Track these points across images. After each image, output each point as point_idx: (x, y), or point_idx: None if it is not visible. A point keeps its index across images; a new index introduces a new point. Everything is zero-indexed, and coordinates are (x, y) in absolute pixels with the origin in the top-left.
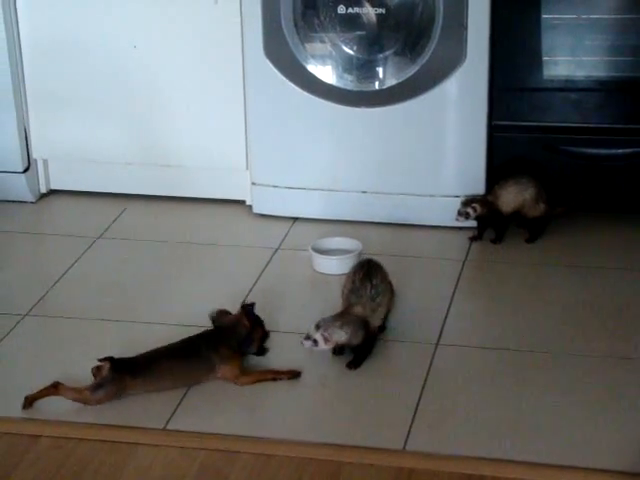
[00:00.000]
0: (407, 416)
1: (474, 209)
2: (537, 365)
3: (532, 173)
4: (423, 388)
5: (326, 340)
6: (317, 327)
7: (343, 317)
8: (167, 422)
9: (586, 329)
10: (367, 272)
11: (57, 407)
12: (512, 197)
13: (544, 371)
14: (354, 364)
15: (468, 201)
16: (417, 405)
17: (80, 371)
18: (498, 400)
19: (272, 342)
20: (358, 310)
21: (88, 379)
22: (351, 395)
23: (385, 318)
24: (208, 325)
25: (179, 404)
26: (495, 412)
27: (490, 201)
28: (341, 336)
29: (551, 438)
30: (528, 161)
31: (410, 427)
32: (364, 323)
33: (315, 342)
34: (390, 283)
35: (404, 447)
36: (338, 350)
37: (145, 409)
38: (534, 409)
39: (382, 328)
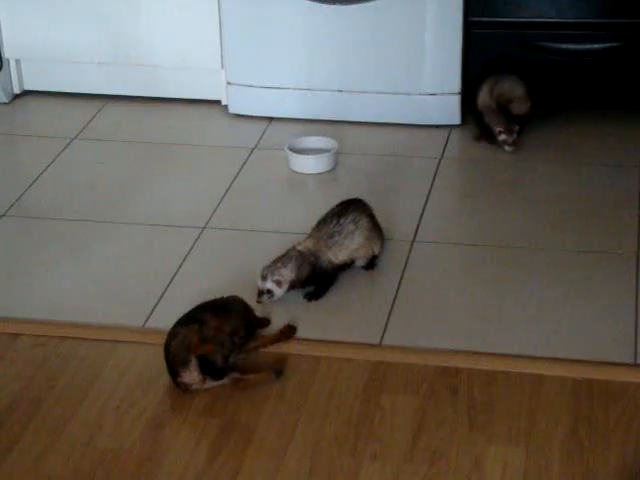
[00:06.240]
0: (384, 312)
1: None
2: (513, 260)
3: (517, 72)
4: (399, 284)
5: (278, 283)
6: (263, 278)
7: (282, 257)
8: (146, 320)
9: (562, 224)
10: (341, 210)
11: (37, 306)
12: (508, 88)
13: (520, 266)
14: (313, 296)
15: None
16: (394, 301)
17: (59, 260)
18: (474, 295)
19: (249, 242)
20: (306, 244)
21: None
22: (328, 292)
23: (372, 260)
24: (184, 225)
25: (157, 303)
26: (471, 307)
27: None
28: (287, 273)
29: (526, 330)
30: (511, 60)
31: (387, 322)
32: (308, 257)
33: (270, 292)
34: (375, 226)
35: (381, 342)
36: (297, 286)
37: (124, 308)
38: (510, 303)
39: (370, 265)
